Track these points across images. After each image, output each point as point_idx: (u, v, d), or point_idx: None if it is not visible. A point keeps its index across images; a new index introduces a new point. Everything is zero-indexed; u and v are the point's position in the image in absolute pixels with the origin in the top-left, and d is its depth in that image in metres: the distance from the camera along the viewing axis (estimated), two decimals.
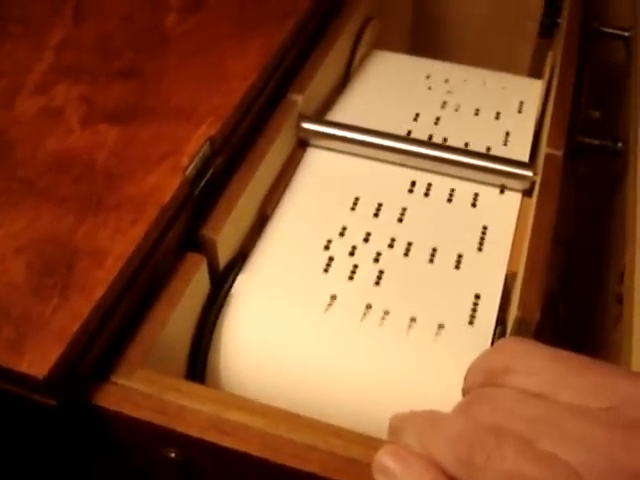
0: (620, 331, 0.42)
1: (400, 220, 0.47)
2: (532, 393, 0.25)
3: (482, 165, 0.49)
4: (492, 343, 0.40)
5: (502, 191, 0.49)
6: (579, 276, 0.61)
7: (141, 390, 0.34)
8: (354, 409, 0.39)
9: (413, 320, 0.41)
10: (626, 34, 0.64)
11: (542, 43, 0.70)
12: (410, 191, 0.49)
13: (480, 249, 0.45)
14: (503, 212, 0.48)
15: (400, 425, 0.27)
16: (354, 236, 0.46)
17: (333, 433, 0.33)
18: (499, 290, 0.43)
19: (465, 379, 0.29)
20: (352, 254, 0.45)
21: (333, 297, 0.42)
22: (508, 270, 0.44)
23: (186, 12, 0.53)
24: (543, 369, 0.26)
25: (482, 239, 0.46)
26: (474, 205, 0.48)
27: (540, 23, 0.69)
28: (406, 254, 0.45)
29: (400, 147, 0.51)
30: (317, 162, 0.52)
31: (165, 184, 0.40)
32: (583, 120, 0.56)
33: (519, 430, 0.24)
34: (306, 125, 0.52)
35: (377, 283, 0.43)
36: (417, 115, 0.55)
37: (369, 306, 0.42)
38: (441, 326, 0.41)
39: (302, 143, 0.53)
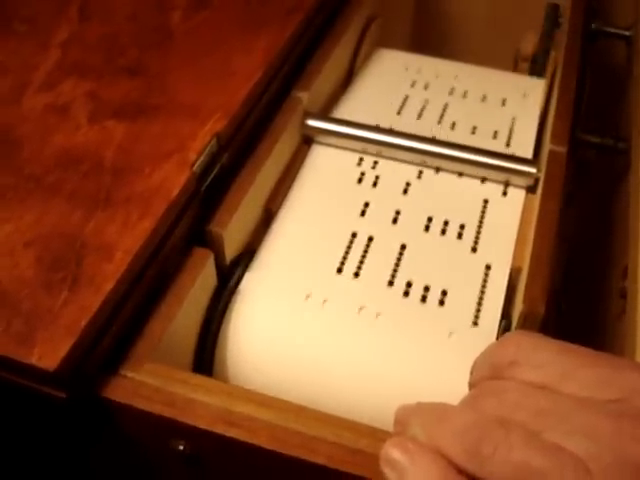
0: (623, 326, 0.42)
1: (396, 221, 0.47)
2: (538, 385, 0.25)
3: (486, 162, 0.49)
4: (497, 338, 0.40)
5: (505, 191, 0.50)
6: (582, 272, 0.61)
7: (150, 383, 0.35)
8: (361, 402, 0.40)
9: (420, 319, 0.42)
10: (628, 33, 0.64)
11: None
12: (412, 187, 0.49)
13: (484, 247, 0.46)
14: (507, 208, 0.48)
15: (406, 417, 0.27)
16: (359, 233, 0.46)
17: (341, 425, 0.33)
18: (504, 285, 0.43)
19: (471, 373, 0.29)
20: (356, 251, 0.45)
21: (338, 293, 0.43)
22: (513, 265, 0.44)
23: (191, 10, 0.53)
24: (549, 362, 0.26)
25: (486, 236, 0.46)
26: (476, 203, 0.49)
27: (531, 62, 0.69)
28: (408, 254, 0.45)
29: (404, 144, 0.51)
30: (322, 159, 0.52)
31: (172, 180, 0.40)
32: (585, 121, 0.56)
33: (526, 422, 0.24)
34: (311, 122, 0.52)
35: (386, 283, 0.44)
36: (420, 113, 0.56)
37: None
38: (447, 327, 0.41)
39: (307, 140, 0.53)
